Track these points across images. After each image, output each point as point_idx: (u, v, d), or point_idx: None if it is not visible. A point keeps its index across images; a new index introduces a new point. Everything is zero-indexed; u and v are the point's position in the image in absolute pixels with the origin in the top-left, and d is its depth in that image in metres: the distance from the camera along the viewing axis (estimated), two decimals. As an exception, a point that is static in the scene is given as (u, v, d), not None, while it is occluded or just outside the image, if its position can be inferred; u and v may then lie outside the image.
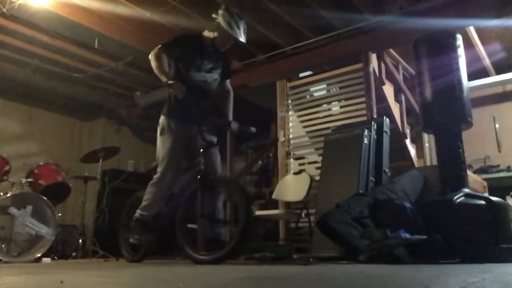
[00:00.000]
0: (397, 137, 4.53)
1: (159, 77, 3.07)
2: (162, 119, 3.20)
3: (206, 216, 2.99)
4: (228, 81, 3.41)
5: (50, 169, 4.38)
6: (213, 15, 3.14)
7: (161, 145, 3.16)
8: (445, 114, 3.16)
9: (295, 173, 4.61)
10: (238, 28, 3.09)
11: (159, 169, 3.14)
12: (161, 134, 3.17)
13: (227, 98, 3.37)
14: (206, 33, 3.21)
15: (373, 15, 4.41)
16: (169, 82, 2.98)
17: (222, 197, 3.15)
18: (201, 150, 3.07)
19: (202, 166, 3.02)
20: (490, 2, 3.99)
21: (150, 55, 3.12)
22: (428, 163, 4.98)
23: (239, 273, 1.95)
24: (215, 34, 3.14)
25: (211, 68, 3.22)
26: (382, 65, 4.68)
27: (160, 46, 3.14)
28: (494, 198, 2.85)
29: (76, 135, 7.15)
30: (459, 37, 3.30)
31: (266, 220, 4.74)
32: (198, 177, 3.02)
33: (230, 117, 3.32)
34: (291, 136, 5.19)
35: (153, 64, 3.09)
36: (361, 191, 3.37)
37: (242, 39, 3.12)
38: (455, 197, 2.80)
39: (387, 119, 3.91)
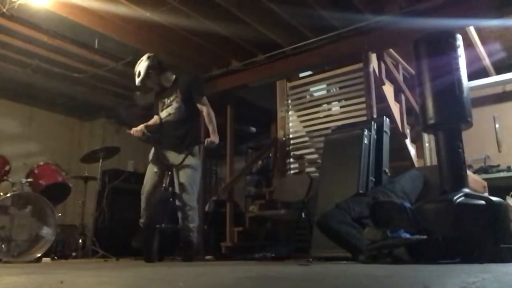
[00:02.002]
0: (397, 137, 4.53)
1: None
2: None
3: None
4: (201, 100, 3.82)
5: (50, 169, 4.37)
6: None
7: None
8: (445, 114, 3.15)
9: (295, 173, 4.61)
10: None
11: None
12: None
13: (205, 116, 3.79)
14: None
15: (373, 15, 4.41)
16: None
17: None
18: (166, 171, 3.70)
19: (163, 185, 3.65)
20: (490, 2, 3.99)
21: None
22: (428, 163, 4.97)
23: (239, 273, 1.95)
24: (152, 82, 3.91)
25: (171, 101, 3.86)
26: (382, 65, 4.68)
27: None
28: (494, 198, 2.85)
29: (76, 135, 7.15)
30: (459, 37, 3.29)
31: (266, 220, 4.73)
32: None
33: (211, 132, 3.73)
34: (291, 136, 5.19)
35: None
36: (361, 191, 3.37)
37: (147, 67, 3.80)
38: (455, 197, 2.79)
39: (387, 119, 3.90)
